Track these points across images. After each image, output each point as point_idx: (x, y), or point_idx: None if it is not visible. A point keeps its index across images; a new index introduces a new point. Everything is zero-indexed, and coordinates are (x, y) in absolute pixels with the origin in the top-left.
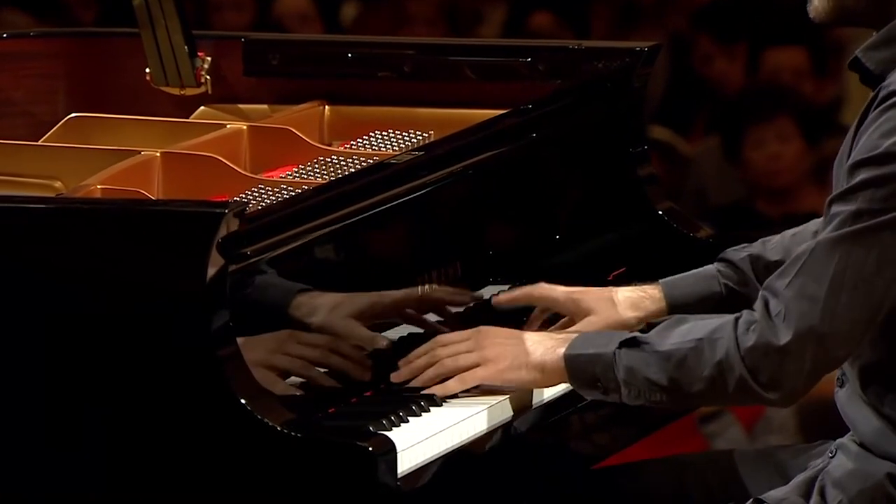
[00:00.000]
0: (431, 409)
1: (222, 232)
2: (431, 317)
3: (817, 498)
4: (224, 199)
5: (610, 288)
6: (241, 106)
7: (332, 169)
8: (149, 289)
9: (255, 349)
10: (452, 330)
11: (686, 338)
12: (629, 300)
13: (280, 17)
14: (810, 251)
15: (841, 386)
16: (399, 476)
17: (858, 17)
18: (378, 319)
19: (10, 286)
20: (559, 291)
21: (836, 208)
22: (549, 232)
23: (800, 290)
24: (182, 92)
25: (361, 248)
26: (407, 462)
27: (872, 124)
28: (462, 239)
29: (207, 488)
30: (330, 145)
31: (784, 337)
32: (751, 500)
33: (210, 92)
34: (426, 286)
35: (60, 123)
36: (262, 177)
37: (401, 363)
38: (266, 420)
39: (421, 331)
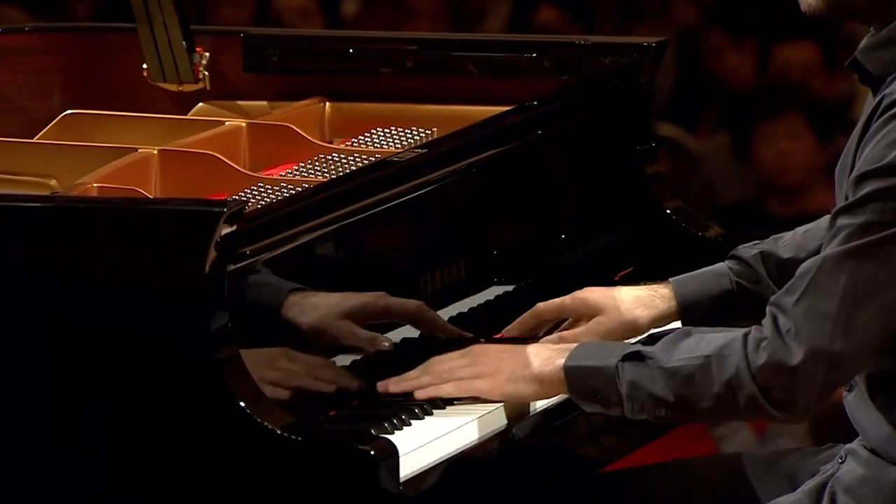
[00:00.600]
0: (435, 412)
1: (221, 231)
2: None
3: None
4: (223, 198)
5: (618, 287)
6: (240, 102)
7: (332, 167)
8: (146, 289)
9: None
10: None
11: (693, 354)
12: (639, 299)
13: (280, 12)
14: (818, 266)
15: (850, 391)
16: (401, 481)
17: (854, 12)
18: (376, 321)
19: (3, 286)
20: (563, 300)
21: (842, 221)
22: (555, 231)
23: (809, 307)
24: (180, 88)
25: (363, 247)
26: (409, 466)
27: (877, 134)
28: (465, 238)
29: (206, 492)
30: (331, 143)
31: (796, 356)
32: None
33: (208, 88)
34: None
35: (56, 120)
36: (262, 175)
37: (392, 381)
38: (266, 423)
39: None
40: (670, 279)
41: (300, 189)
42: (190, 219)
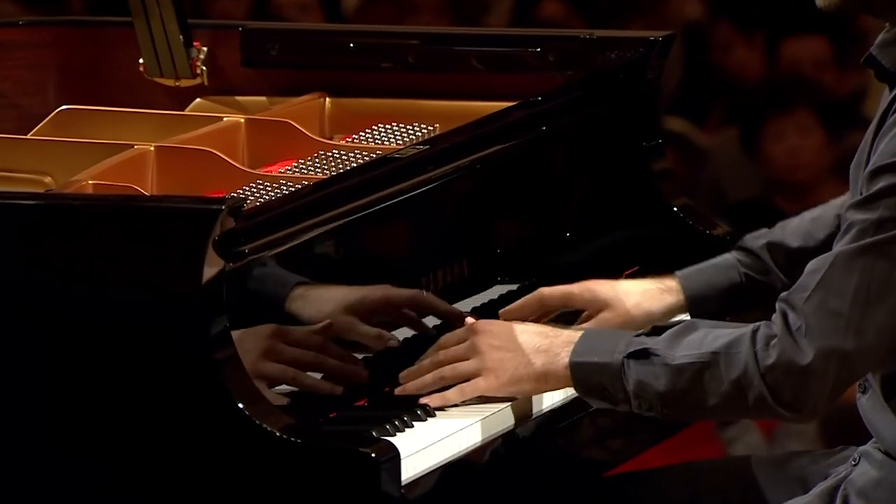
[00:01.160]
0: (437, 413)
1: (219, 229)
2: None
3: None
4: (221, 195)
5: (624, 280)
6: (238, 98)
7: (333, 164)
8: (143, 289)
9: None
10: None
11: (699, 350)
12: (647, 292)
13: (279, 5)
14: (830, 263)
15: (864, 392)
16: (403, 484)
17: (869, 6)
18: (378, 318)
19: None
20: (571, 286)
21: (855, 217)
22: (559, 229)
23: (820, 304)
24: (177, 83)
25: (364, 246)
26: (411, 469)
27: (893, 129)
28: (468, 237)
29: (204, 495)
30: (331, 139)
31: (807, 355)
32: None
33: (206, 83)
34: (429, 288)
35: (50, 116)
36: (261, 172)
37: (402, 374)
38: (265, 425)
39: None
40: (677, 273)
41: (300, 186)
42: (187, 217)
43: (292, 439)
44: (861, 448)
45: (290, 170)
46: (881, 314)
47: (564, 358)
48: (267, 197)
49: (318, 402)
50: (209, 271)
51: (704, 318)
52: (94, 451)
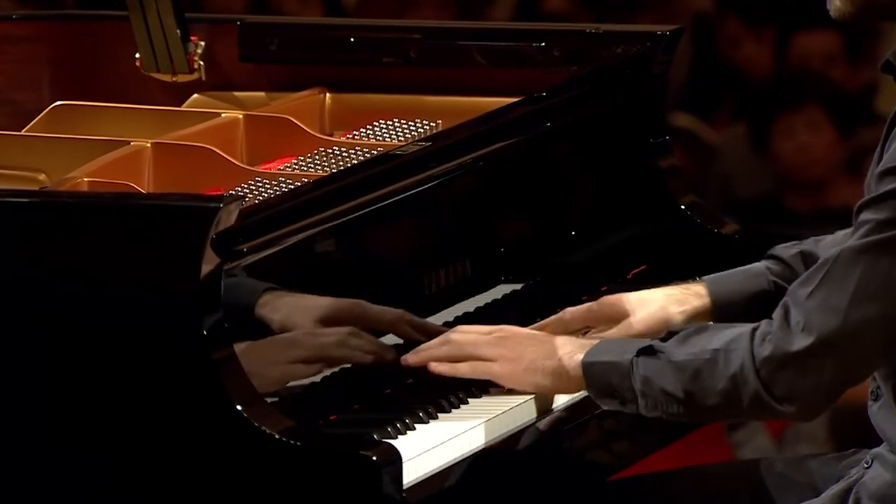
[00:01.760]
0: (439, 415)
1: (217, 228)
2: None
3: None
4: (219, 193)
5: (648, 290)
6: (236, 93)
7: (333, 161)
8: (139, 288)
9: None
10: None
11: (703, 348)
12: (671, 297)
13: None
14: (834, 259)
15: (875, 400)
16: (405, 487)
17: (885, 12)
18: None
19: None
20: (590, 306)
21: (864, 216)
22: (564, 228)
23: (822, 300)
24: (174, 79)
25: (364, 244)
26: (413, 472)
27: None
28: (471, 235)
29: (203, 498)
30: (331, 135)
31: (801, 349)
32: None
33: (204, 79)
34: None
35: (45, 112)
36: (260, 169)
37: (411, 353)
38: (263, 427)
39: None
40: (704, 278)
41: (299, 184)
42: (185, 215)
43: (292, 442)
44: (874, 450)
45: (289, 167)
46: (880, 312)
47: (579, 356)
48: (266, 195)
49: (318, 404)
50: (207, 270)
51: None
52: (92, 452)
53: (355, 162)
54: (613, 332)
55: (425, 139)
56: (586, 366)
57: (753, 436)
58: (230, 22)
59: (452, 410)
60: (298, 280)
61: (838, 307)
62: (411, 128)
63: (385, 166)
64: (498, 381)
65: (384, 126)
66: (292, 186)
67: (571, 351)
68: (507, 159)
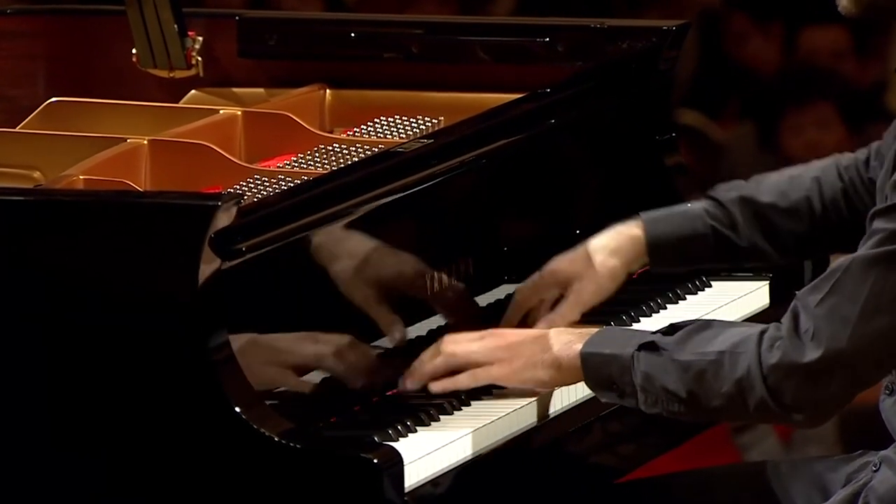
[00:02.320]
0: (442, 418)
1: (215, 226)
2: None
3: None
4: (217, 191)
5: (583, 243)
6: (235, 90)
7: (333, 158)
8: (136, 288)
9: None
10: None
11: (707, 348)
12: (606, 248)
13: None
14: (846, 267)
15: (890, 394)
16: (406, 491)
17: (891, 13)
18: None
19: None
20: (533, 279)
21: (876, 224)
22: (569, 226)
23: (832, 309)
24: (171, 75)
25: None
26: (415, 476)
27: None
28: (474, 234)
29: (201, 502)
30: (331, 133)
31: (810, 357)
32: None
33: (202, 74)
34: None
35: (40, 109)
36: (258, 166)
37: (407, 374)
38: (262, 430)
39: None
40: (642, 215)
41: (299, 182)
42: (182, 213)
43: (291, 444)
44: (882, 453)
45: (288, 164)
46: (890, 324)
47: (577, 346)
48: (265, 193)
49: (317, 406)
50: (205, 270)
51: (663, 266)
52: (90, 453)
53: (356, 159)
54: (566, 308)
55: (427, 136)
56: (585, 356)
57: (762, 438)
58: (228, 17)
59: (455, 413)
60: (298, 280)
61: (848, 318)
62: (412, 125)
63: (386, 164)
64: (498, 383)
65: (385, 123)
66: (292, 184)
67: (569, 341)
68: (511, 157)
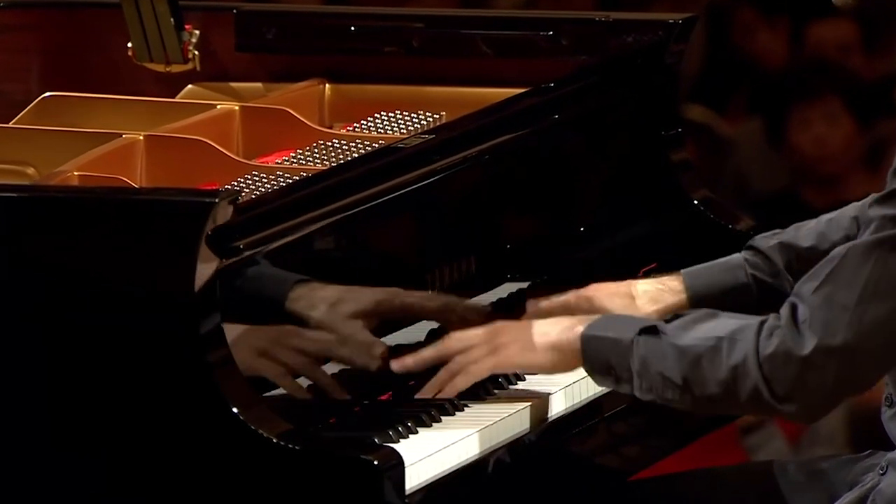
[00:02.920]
0: (443, 419)
1: (212, 223)
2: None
3: None
4: (214, 188)
5: (628, 282)
6: (232, 84)
7: (333, 154)
8: (131, 287)
9: (247, 345)
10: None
11: (707, 335)
12: (647, 294)
13: None
14: (843, 255)
15: (890, 406)
16: (407, 493)
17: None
18: (387, 317)
19: None
20: (566, 299)
21: (875, 212)
22: (573, 224)
23: (828, 297)
24: (168, 69)
25: (365, 241)
26: (416, 478)
27: None
28: (476, 232)
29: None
30: (331, 128)
31: (807, 346)
32: None
33: (198, 69)
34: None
35: (33, 104)
36: (256, 162)
37: (409, 357)
38: (261, 431)
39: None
40: (682, 271)
41: (298, 178)
42: (179, 210)
43: (290, 446)
44: (889, 455)
45: (287, 161)
46: (888, 311)
47: (579, 329)
48: (263, 189)
49: (317, 407)
50: (202, 268)
51: None
52: (88, 454)
53: (356, 155)
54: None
55: (428, 132)
56: (585, 339)
57: (769, 439)
58: (226, 10)
59: (457, 413)
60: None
61: (845, 306)
62: (414, 120)
63: (387, 160)
64: (497, 370)
65: (386, 118)
66: (290, 181)
67: (571, 325)
68: (513, 153)
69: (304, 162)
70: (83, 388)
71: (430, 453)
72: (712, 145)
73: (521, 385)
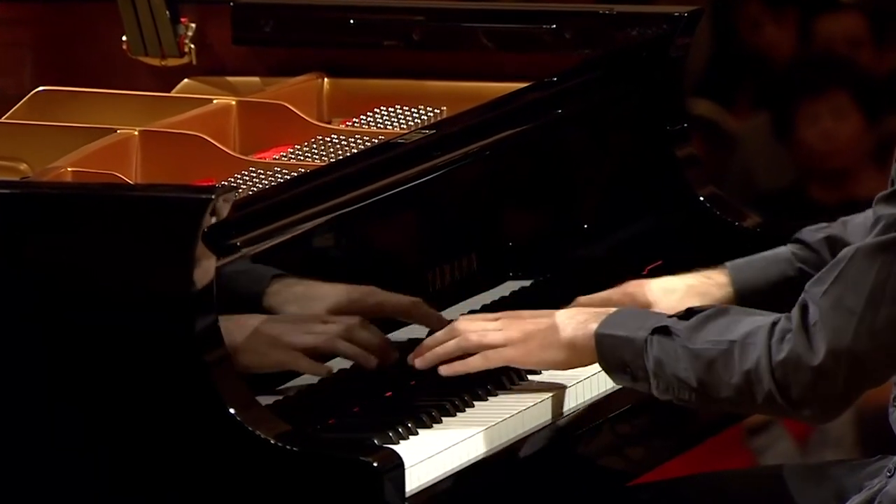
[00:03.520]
0: (444, 419)
1: (209, 220)
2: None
3: None
4: (211, 184)
5: (667, 277)
6: (229, 78)
7: (331, 149)
8: (126, 285)
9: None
10: None
11: (720, 337)
12: (692, 288)
13: None
14: (850, 256)
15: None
16: (407, 495)
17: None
18: (381, 316)
19: None
20: (607, 295)
21: (880, 211)
22: (576, 221)
23: (836, 300)
24: (163, 63)
25: (365, 239)
26: (416, 479)
27: None
28: (478, 229)
29: None
30: (329, 123)
31: (818, 353)
32: None
33: (195, 63)
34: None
35: (26, 98)
36: (254, 158)
37: (418, 353)
38: (258, 432)
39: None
40: (727, 264)
41: (296, 174)
42: (174, 207)
43: (288, 447)
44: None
45: (285, 156)
46: None
47: (593, 326)
48: (260, 186)
49: (315, 407)
50: (198, 266)
51: None
52: (84, 454)
53: (355, 151)
54: None
55: (429, 127)
56: (599, 337)
57: (776, 441)
58: (222, 2)
59: (457, 414)
60: (295, 276)
61: (853, 309)
62: (414, 115)
63: (386, 155)
64: (512, 364)
65: (385, 113)
66: (288, 177)
67: (585, 320)
68: (516, 148)
69: (302, 158)
70: (77, 388)
71: (430, 455)
72: (718, 140)
73: (522, 384)
